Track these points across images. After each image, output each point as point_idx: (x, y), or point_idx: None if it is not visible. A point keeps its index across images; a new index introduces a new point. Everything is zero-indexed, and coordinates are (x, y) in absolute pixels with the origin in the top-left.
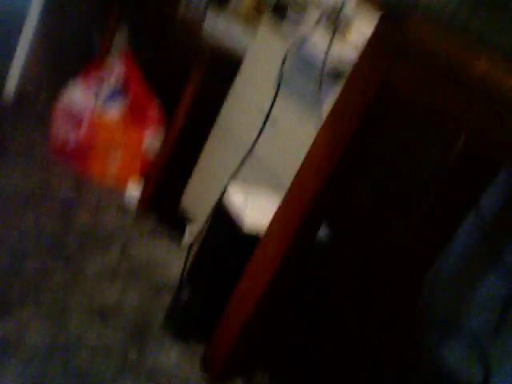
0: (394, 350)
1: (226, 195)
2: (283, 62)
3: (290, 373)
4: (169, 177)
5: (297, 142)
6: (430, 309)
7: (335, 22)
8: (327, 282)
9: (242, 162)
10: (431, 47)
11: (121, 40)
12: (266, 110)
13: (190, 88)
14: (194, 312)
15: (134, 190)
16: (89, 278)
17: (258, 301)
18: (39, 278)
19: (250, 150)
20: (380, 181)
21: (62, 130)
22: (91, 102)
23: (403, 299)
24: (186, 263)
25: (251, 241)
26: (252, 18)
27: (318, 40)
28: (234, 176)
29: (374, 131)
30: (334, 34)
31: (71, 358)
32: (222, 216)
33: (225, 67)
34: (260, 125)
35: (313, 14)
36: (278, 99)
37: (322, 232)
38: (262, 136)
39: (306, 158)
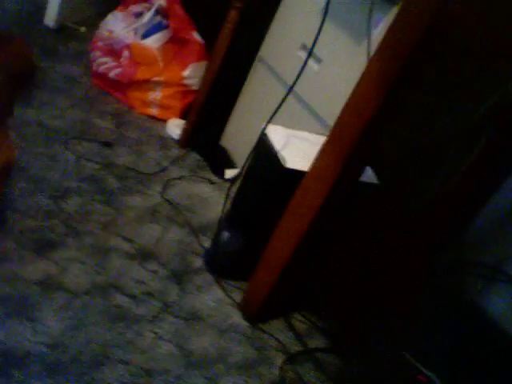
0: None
1: (266, 133)
2: None
3: (328, 314)
4: (210, 113)
5: (344, 82)
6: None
7: None
8: (372, 225)
9: (282, 102)
10: None
11: None
12: (311, 45)
13: (229, 19)
14: (233, 253)
15: (175, 126)
16: (129, 219)
17: (299, 240)
18: (80, 218)
19: (290, 90)
20: (427, 123)
21: (102, 61)
22: (131, 33)
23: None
24: (226, 201)
25: (292, 177)
26: None
27: None
28: (274, 114)
29: (425, 67)
30: None
31: (111, 299)
32: (262, 153)
33: None
34: (303, 61)
35: None
36: (323, 34)
37: (368, 177)
38: (305, 74)
39: (354, 93)
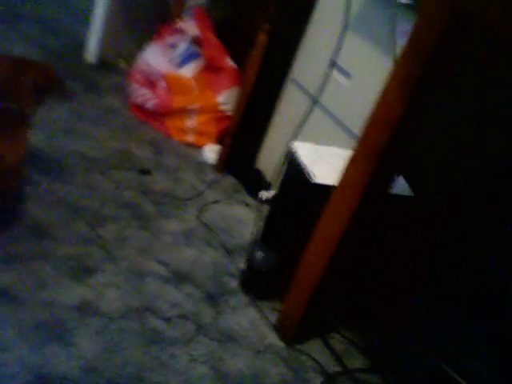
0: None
1: (294, 150)
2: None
3: (364, 330)
4: (245, 136)
5: (374, 94)
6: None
7: None
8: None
9: (308, 114)
10: None
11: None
12: (341, 61)
13: (258, 42)
14: (268, 272)
15: (211, 151)
16: (165, 242)
17: (330, 256)
18: (117, 243)
19: (315, 102)
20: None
21: (140, 93)
22: (167, 64)
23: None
24: (258, 221)
25: (321, 192)
26: None
27: None
28: (300, 128)
29: (450, 69)
30: None
31: (147, 321)
32: (291, 170)
33: (295, 15)
34: (333, 78)
35: None
36: (351, 49)
37: (402, 187)
38: (336, 90)
39: (377, 103)
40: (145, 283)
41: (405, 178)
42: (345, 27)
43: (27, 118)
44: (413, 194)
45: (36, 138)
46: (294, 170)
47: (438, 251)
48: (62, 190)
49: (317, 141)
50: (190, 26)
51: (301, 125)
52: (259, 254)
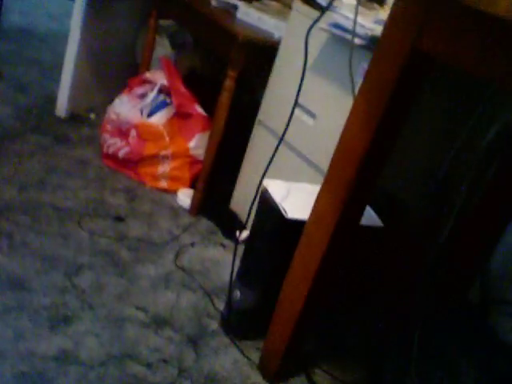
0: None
1: (266, 188)
2: (307, 38)
3: (348, 367)
4: (217, 179)
5: (339, 131)
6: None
7: None
8: (380, 267)
9: (274, 153)
10: None
11: (161, 50)
12: (305, 103)
13: (225, 87)
14: (247, 311)
15: (185, 195)
16: (143, 288)
17: (308, 289)
18: (94, 292)
19: (281, 140)
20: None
21: (112, 143)
22: (137, 113)
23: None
24: (233, 261)
25: (295, 227)
26: (285, 9)
27: (349, 13)
28: (269, 168)
29: (411, 101)
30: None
31: (127, 368)
32: (263, 207)
33: (260, 57)
34: (300, 119)
35: None
36: (314, 90)
37: (371, 218)
38: (302, 130)
39: (341, 138)
40: (124, 330)
41: (374, 208)
42: (304, 70)
43: None
44: (382, 225)
45: (8, 191)
46: (265, 207)
47: (413, 277)
48: (36, 242)
49: (287, 178)
50: (158, 77)
51: (270, 164)
52: (237, 294)
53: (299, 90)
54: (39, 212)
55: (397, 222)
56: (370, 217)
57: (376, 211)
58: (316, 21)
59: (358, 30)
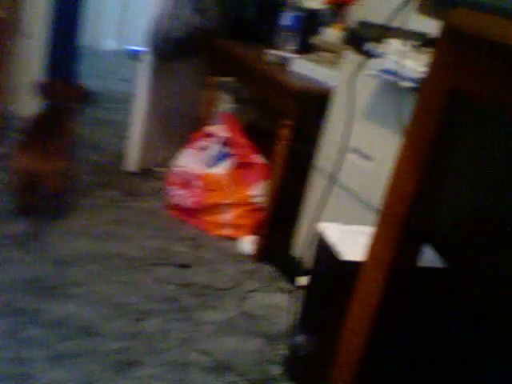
0: None
1: (321, 231)
2: (352, 82)
3: None
4: (278, 225)
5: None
6: None
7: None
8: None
9: (327, 194)
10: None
11: (222, 106)
12: (361, 147)
13: (281, 136)
14: (310, 356)
15: (247, 242)
16: (207, 333)
17: (367, 333)
18: (160, 336)
19: (332, 181)
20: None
21: (177, 193)
22: (201, 165)
23: None
24: (293, 306)
25: (351, 269)
26: (337, 59)
27: (399, 60)
28: (327, 211)
29: (456, 139)
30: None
31: None
32: (320, 251)
33: (314, 105)
34: (356, 162)
35: (393, 43)
36: (370, 135)
37: (433, 258)
38: (360, 174)
39: (392, 177)
40: (188, 374)
41: (435, 248)
42: (351, 113)
43: (73, 115)
44: (445, 266)
45: (81, 242)
46: (322, 250)
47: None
48: (106, 289)
49: (347, 222)
50: (220, 130)
51: (324, 207)
52: (299, 339)
53: (348, 133)
54: (109, 261)
55: (463, 262)
56: (430, 257)
57: (439, 252)
58: (360, 67)
59: (407, 73)
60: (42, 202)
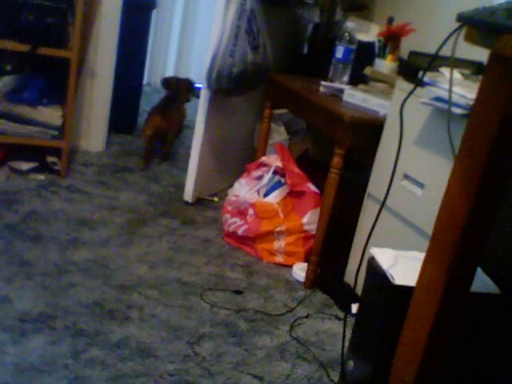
0: None
1: (373, 256)
2: (401, 109)
3: None
4: (330, 253)
5: None
6: None
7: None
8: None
9: (377, 218)
10: None
11: (277, 137)
12: (413, 174)
13: (333, 164)
14: (361, 382)
15: (299, 269)
16: (259, 357)
17: (419, 362)
18: (213, 360)
19: (382, 206)
20: None
21: (232, 222)
22: (254, 194)
23: None
24: (344, 331)
25: (404, 294)
26: (389, 89)
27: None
28: (370, 234)
29: (509, 164)
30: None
31: None
32: (372, 276)
33: (366, 134)
34: (409, 189)
35: (444, 72)
36: (422, 161)
37: (486, 284)
38: (412, 201)
39: (443, 203)
40: None
41: (488, 274)
42: (400, 140)
43: (183, 98)
44: (499, 292)
45: (140, 268)
46: (373, 275)
47: None
48: (163, 313)
49: (396, 247)
50: (273, 160)
51: (372, 230)
52: (351, 365)
53: (397, 158)
54: (166, 286)
55: None
56: (484, 283)
57: (492, 277)
58: (409, 94)
59: (458, 100)
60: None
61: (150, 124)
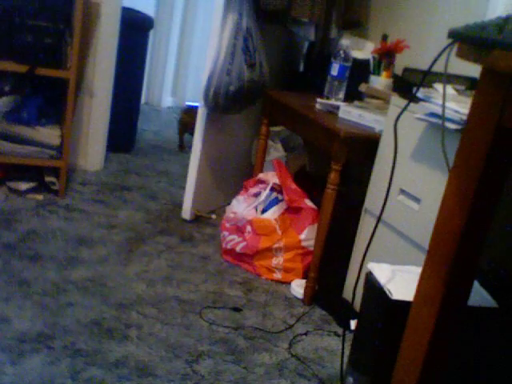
0: None
1: (371, 271)
2: (395, 125)
3: None
4: (328, 269)
5: None
6: None
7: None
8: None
9: (373, 234)
10: None
11: (274, 154)
12: (408, 189)
13: (330, 180)
14: None
15: (298, 286)
16: (258, 375)
17: (418, 377)
18: (212, 378)
19: (379, 220)
20: None
21: (230, 239)
22: (252, 211)
23: None
24: (343, 347)
25: (401, 309)
26: (384, 105)
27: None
28: (367, 249)
29: (503, 176)
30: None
31: None
32: (370, 291)
33: (362, 150)
34: (405, 204)
35: (437, 87)
36: (418, 176)
37: (484, 299)
38: (409, 216)
39: (438, 216)
40: None
41: (485, 288)
42: (395, 154)
43: None
44: (496, 306)
45: (138, 286)
46: (371, 290)
47: None
48: (161, 331)
49: (393, 262)
50: (270, 177)
51: (369, 245)
52: (350, 381)
53: (392, 174)
54: (165, 304)
55: None
56: (481, 297)
57: (489, 291)
58: (403, 110)
59: (452, 115)
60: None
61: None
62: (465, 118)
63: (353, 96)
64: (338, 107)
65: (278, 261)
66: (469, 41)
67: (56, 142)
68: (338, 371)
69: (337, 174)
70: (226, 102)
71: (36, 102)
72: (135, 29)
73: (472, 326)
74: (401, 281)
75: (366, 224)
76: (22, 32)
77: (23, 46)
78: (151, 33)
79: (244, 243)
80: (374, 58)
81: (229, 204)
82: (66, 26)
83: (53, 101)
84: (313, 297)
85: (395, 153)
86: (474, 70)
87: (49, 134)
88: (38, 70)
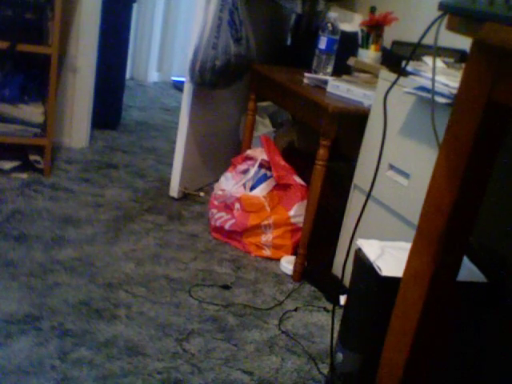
0: None
1: (360, 248)
2: (385, 100)
3: None
4: (317, 245)
5: None
6: None
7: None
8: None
9: (362, 210)
10: None
11: (262, 129)
12: (398, 164)
13: (319, 156)
14: (350, 374)
15: (287, 262)
16: (248, 352)
17: (408, 352)
18: (202, 356)
19: (368, 196)
20: None
21: (218, 216)
22: (240, 188)
23: None
24: (332, 323)
25: (391, 285)
26: (373, 79)
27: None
28: (357, 225)
29: (494, 151)
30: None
31: None
32: (359, 267)
33: (351, 125)
34: (394, 179)
35: (427, 61)
36: (407, 151)
37: (474, 274)
38: (398, 192)
39: (428, 192)
40: None
41: (475, 263)
42: (385, 130)
43: None
44: (485, 280)
45: (127, 266)
46: (360, 266)
47: None
48: (151, 310)
49: (383, 238)
50: (258, 153)
51: (359, 222)
52: (339, 357)
53: (382, 149)
54: (154, 283)
55: (503, 276)
56: (471, 272)
57: (479, 266)
58: (393, 84)
59: (442, 89)
60: None
61: None
62: (454, 91)
63: (341, 70)
64: (326, 82)
65: (267, 238)
66: (459, 13)
67: (39, 119)
68: (328, 347)
69: (326, 149)
70: (212, 76)
71: (18, 80)
72: (118, 2)
73: (461, 301)
74: (390, 257)
75: (355, 200)
76: (1, 7)
77: (3, 22)
78: (135, 6)
79: (233, 220)
80: (362, 31)
81: (217, 181)
82: (46, 0)
83: (35, 78)
84: (302, 273)
85: (385, 128)
86: (463, 42)
87: (32, 112)
88: (19, 46)
